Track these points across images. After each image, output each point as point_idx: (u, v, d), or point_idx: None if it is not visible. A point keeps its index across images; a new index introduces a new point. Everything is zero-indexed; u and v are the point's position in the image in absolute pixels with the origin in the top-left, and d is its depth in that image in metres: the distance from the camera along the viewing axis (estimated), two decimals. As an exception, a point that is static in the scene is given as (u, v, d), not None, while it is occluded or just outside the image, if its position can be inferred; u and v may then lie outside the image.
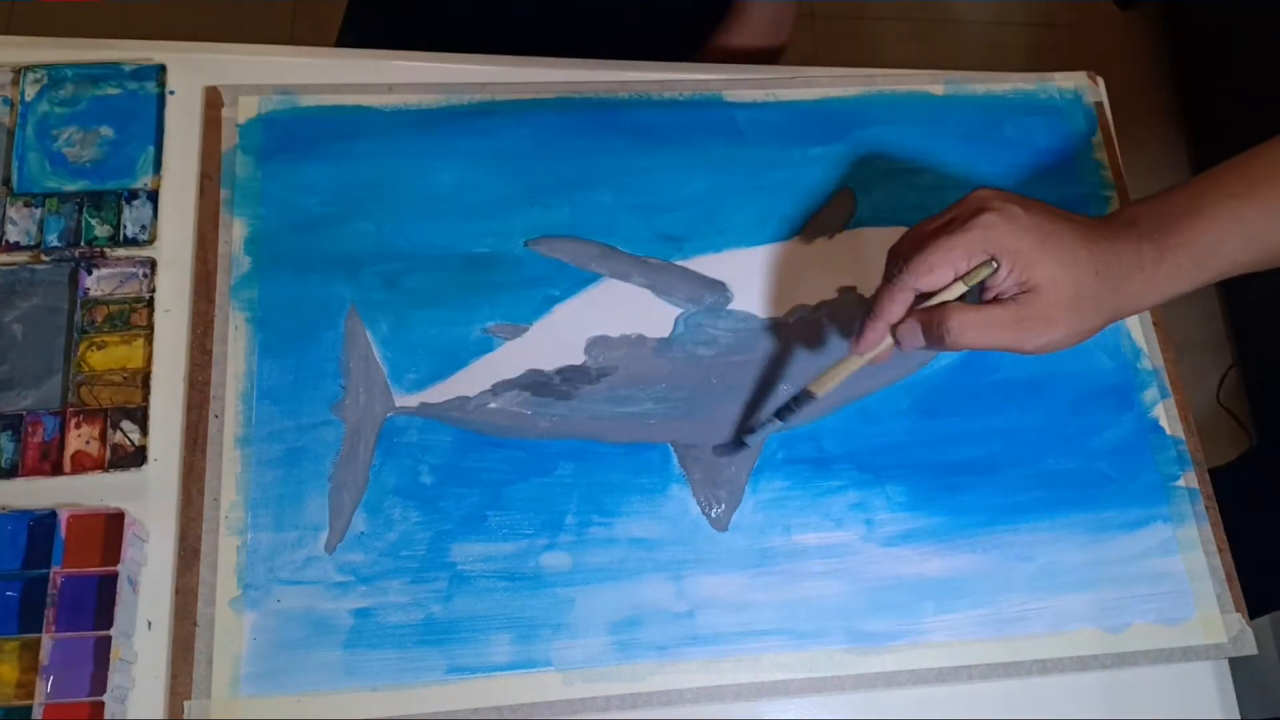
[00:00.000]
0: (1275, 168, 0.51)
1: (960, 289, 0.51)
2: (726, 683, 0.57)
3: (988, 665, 0.59)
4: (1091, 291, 0.50)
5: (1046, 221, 0.50)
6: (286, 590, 0.57)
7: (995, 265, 0.50)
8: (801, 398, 0.57)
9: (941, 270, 0.50)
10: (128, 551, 0.55)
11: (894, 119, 0.73)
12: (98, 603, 0.54)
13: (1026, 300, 0.50)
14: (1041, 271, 0.49)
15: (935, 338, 0.50)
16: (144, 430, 0.59)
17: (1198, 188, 0.52)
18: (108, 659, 0.52)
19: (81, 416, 0.59)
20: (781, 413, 0.58)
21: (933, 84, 0.75)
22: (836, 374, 0.55)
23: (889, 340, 0.53)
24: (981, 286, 0.51)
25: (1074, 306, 0.50)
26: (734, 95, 0.72)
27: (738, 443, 0.62)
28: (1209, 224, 0.50)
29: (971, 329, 0.49)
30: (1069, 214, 0.52)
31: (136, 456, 0.59)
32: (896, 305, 0.52)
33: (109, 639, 0.53)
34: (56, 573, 0.54)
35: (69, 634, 0.53)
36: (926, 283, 0.51)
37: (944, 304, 0.51)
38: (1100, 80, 0.77)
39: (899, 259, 0.52)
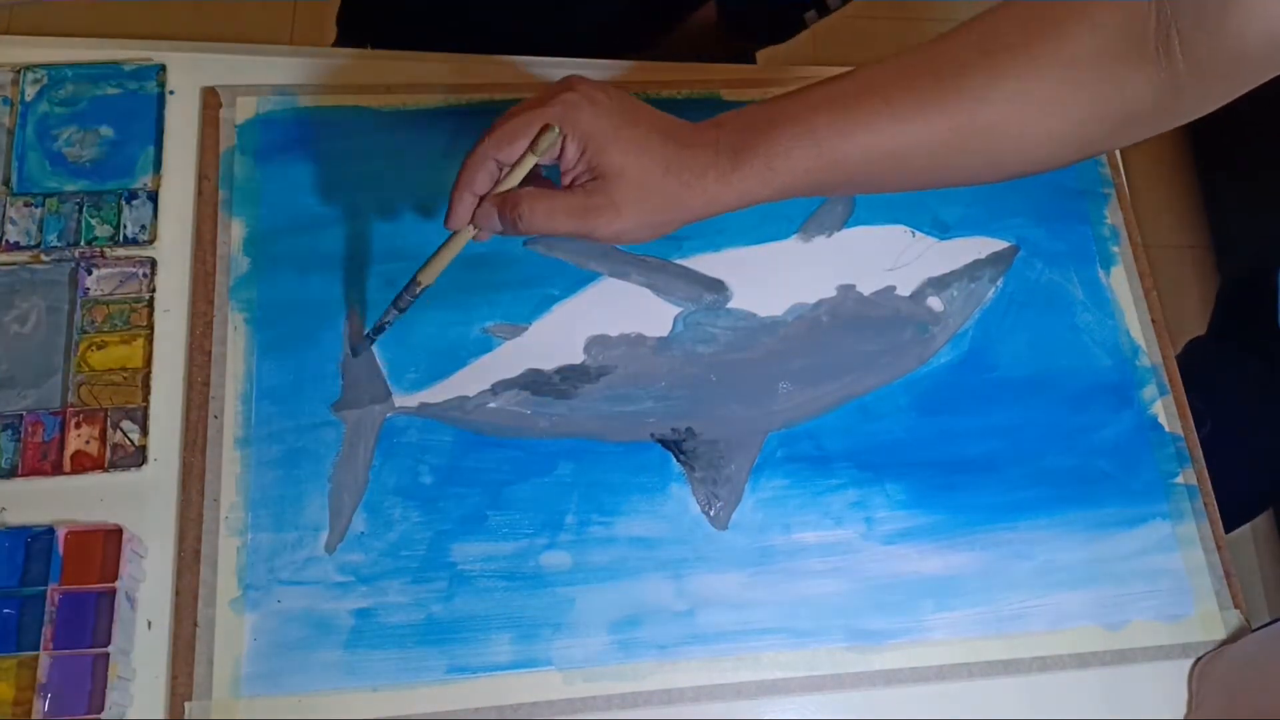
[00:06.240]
0: (855, 86, 0.51)
1: (531, 161, 0.50)
2: (727, 681, 0.57)
3: (987, 663, 0.59)
4: (658, 185, 0.49)
5: (627, 111, 0.50)
6: (287, 591, 0.57)
7: (559, 133, 0.49)
8: (412, 286, 0.56)
9: (519, 142, 0.50)
10: (125, 568, 0.54)
11: (893, 118, 0.73)
12: (96, 620, 0.53)
13: (594, 188, 0.49)
14: (611, 159, 0.49)
15: (509, 222, 0.50)
16: (144, 430, 0.59)
17: (788, 97, 0.52)
18: (106, 676, 0.52)
19: (81, 416, 0.59)
20: (399, 302, 0.57)
21: (931, 83, 0.75)
22: (441, 258, 0.54)
23: (493, 218, 0.52)
24: (560, 172, 0.51)
25: (640, 198, 0.49)
26: (733, 95, 0.72)
27: (364, 346, 0.61)
28: (782, 129, 0.50)
29: (542, 214, 0.49)
30: (658, 112, 0.52)
31: (136, 456, 0.59)
32: (480, 176, 0.51)
33: (107, 656, 0.52)
34: (54, 590, 0.53)
35: (67, 651, 0.52)
36: (505, 154, 0.50)
37: (519, 189, 0.51)
38: (1099, 79, 0.77)
39: (487, 132, 0.51)
